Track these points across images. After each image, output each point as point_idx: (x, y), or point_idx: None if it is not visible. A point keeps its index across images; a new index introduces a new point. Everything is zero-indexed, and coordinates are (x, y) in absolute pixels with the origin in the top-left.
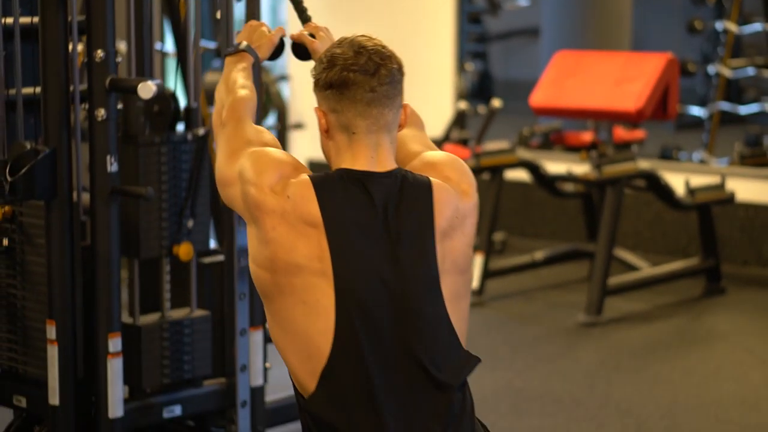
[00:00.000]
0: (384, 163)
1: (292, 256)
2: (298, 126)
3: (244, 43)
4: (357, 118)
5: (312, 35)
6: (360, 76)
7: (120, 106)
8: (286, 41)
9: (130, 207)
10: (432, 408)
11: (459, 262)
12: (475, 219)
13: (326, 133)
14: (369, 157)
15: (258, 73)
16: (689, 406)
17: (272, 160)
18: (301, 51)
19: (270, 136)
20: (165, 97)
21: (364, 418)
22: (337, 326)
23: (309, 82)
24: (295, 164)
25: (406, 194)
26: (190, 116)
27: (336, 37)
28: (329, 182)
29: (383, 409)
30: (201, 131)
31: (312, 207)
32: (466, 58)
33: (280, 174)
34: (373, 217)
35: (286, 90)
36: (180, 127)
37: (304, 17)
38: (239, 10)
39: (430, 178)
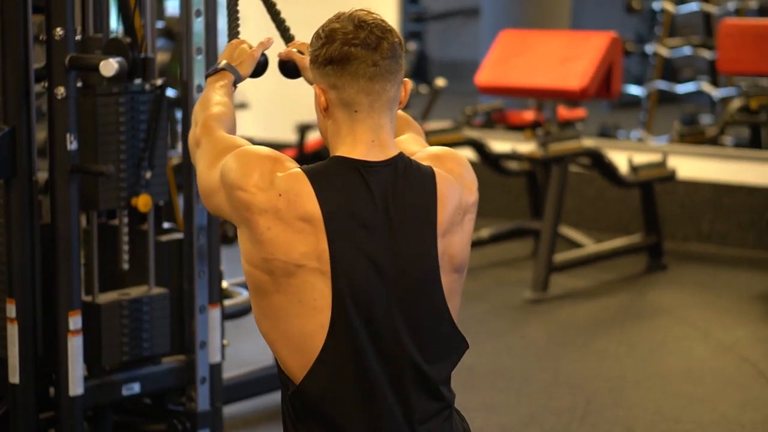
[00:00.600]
0: (385, 147)
1: (290, 256)
2: (242, 106)
3: (224, 62)
4: (359, 94)
5: (301, 52)
6: (362, 51)
7: (79, 83)
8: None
9: (89, 158)
10: (424, 403)
11: (456, 259)
12: (473, 215)
13: (325, 111)
14: (370, 141)
15: None
16: (636, 380)
17: (253, 157)
18: (291, 69)
19: (244, 142)
20: (122, 46)
21: (355, 408)
22: (332, 322)
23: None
24: (278, 157)
25: (408, 185)
26: (147, 67)
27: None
28: (326, 174)
29: (374, 401)
30: (158, 81)
31: (309, 203)
32: (407, 38)
33: (262, 170)
34: (373, 211)
35: None
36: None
37: (287, 36)
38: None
39: (434, 169)
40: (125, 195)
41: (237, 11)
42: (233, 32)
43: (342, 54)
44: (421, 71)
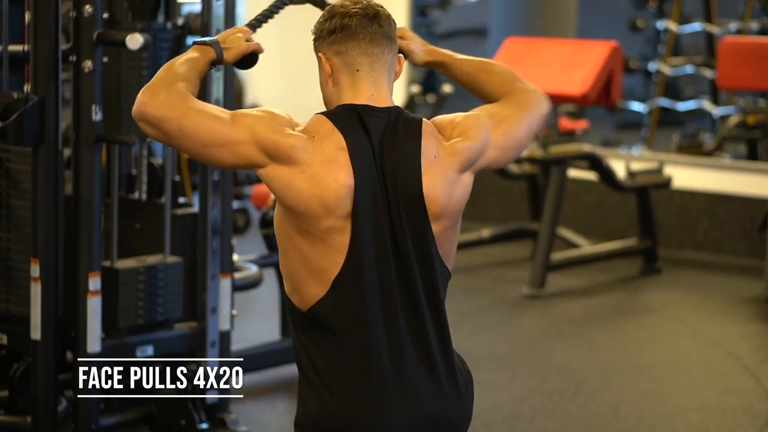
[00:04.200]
0: (383, 101)
1: (324, 195)
2: (254, 107)
3: (214, 38)
4: (361, 55)
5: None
6: (361, 20)
7: (105, 58)
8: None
9: (112, 92)
10: (430, 327)
11: (440, 203)
12: (456, 161)
13: (330, 77)
14: (369, 94)
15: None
16: (625, 368)
17: (280, 114)
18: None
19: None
20: None
21: (368, 324)
22: (350, 248)
23: (263, 67)
24: (291, 119)
25: (399, 130)
26: (170, 5)
27: None
28: (338, 116)
29: (386, 320)
30: (180, 21)
31: (338, 138)
32: None
33: (290, 121)
34: (370, 149)
35: (242, 73)
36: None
37: None
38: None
39: (423, 120)
40: None
41: (274, 14)
42: (253, 24)
43: (343, 24)
44: (429, 85)
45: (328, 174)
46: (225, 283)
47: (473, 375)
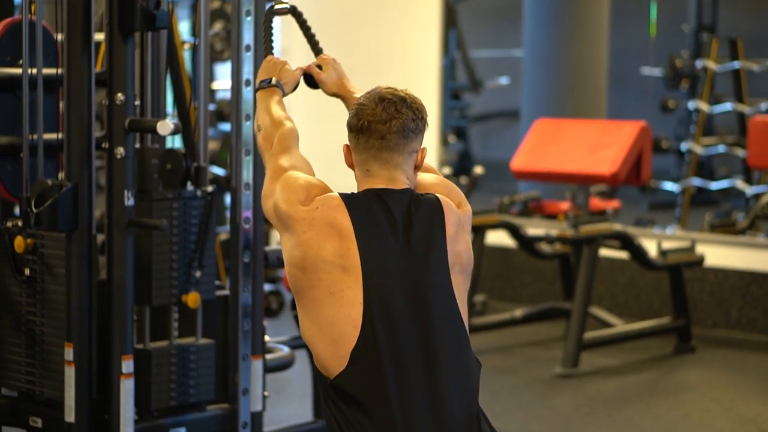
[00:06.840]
0: (399, 185)
1: (320, 254)
2: None
3: (275, 80)
4: (370, 159)
5: (320, 67)
6: (374, 126)
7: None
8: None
9: (144, 258)
10: (453, 389)
11: (464, 264)
12: (470, 226)
13: (350, 167)
14: (385, 182)
15: None
16: None
17: (303, 181)
18: (310, 80)
19: (309, 167)
20: (177, 155)
21: (389, 395)
22: (365, 313)
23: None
24: (324, 187)
25: (420, 206)
26: (199, 175)
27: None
28: (354, 196)
29: (408, 388)
30: (209, 188)
31: (341, 215)
32: (449, 132)
33: (307, 193)
34: (393, 224)
35: None
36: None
37: (316, 50)
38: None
39: (438, 195)
40: (176, 292)
41: (272, 27)
42: (268, 47)
43: (359, 126)
44: (463, 167)
45: (315, 245)
46: (257, 365)
47: None
